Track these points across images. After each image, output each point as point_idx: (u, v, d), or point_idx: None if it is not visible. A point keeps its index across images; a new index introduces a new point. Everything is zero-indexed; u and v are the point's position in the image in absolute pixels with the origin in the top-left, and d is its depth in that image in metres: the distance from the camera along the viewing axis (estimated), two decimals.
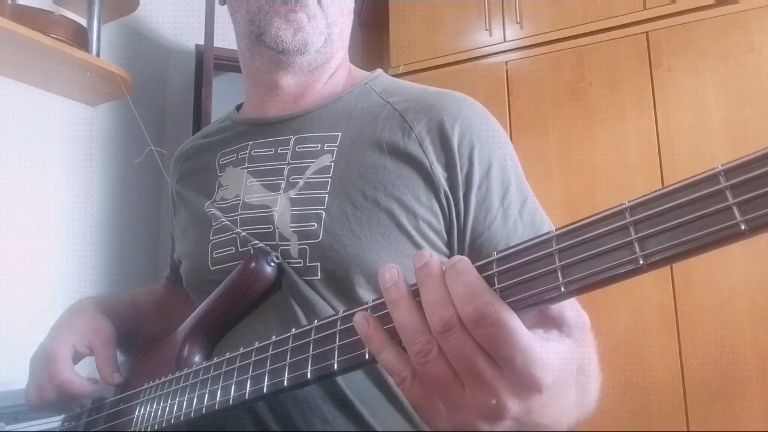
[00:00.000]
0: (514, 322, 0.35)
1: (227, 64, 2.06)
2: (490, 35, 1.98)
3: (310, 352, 0.45)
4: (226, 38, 1.93)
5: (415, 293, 0.40)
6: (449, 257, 0.65)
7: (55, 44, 1.51)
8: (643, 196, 0.33)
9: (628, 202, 0.34)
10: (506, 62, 1.94)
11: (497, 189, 0.64)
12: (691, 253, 0.31)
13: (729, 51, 1.63)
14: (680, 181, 0.32)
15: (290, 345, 0.47)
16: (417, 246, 0.63)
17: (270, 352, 0.49)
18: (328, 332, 0.45)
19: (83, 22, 1.70)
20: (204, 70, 2.01)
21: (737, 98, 1.61)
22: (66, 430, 0.73)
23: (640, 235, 0.32)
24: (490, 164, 0.65)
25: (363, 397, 0.61)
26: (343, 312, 0.45)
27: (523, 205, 0.66)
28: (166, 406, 0.58)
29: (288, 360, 0.47)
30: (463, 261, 0.38)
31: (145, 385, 0.64)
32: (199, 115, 2.01)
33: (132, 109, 1.83)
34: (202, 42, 2.00)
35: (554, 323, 0.40)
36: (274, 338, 0.50)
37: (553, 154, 1.80)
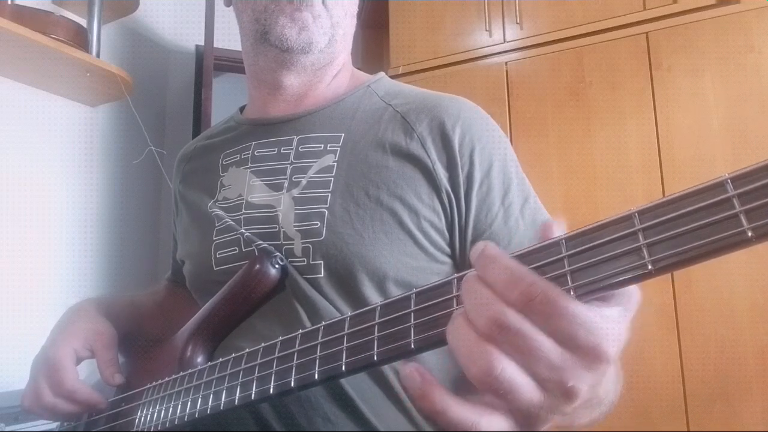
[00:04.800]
0: (564, 296, 0.33)
1: (227, 64, 2.06)
2: (490, 36, 1.98)
3: (318, 354, 0.45)
4: (226, 39, 1.94)
5: None
6: (451, 256, 0.66)
7: (55, 45, 1.51)
8: (650, 203, 0.34)
9: (636, 208, 0.34)
10: (506, 63, 1.94)
11: (498, 188, 0.65)
12: (698, 259, 0.31)
13: (729, 51, 1.64)
14: (687, 189, 0.32)
15: (297, 347, 0.47)
16: (419, 244, 0.63)
17: (276, 354, 0.49)
18: (336, 335, 0.45)
19: (83, 22, 1.70)
20: (204, 71, 2.01)
21: (737, 98, 1.61)
22: (66, 431, 0.72)
23: (648, 241, 0.32)
24: (491, 164, 0.66)
25: (365, 396, 0.61)
26: (351, 314, 0.45)
27: (524, 204, 0.67)
28: (169, 407, 0.58)
29: (295, 361, 0.47)
30: (490, 245, 0.36)
31: (148, 386, 0.63)
32: (199, 116, 2.01)
33: (132, 109, 1.83)
34: (202, 42, 2.00)
35: None
36: (280, 339, 0.50)
37: (553, 155, 1.80)
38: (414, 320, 0.40)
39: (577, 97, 1.81)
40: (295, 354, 0.47)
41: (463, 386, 0.36)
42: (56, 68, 1.60)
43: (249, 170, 0.72)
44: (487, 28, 1.98)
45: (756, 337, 1.51)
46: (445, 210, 0.64)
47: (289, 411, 0.60)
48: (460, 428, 0.35)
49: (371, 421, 0.61)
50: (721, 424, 1.50)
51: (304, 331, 0.48)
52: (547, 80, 1.86)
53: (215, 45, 1.98)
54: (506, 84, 1.92)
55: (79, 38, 1.63)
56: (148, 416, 0.60)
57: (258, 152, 0.73)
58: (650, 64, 1.73)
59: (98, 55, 1.69)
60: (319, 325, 0.47)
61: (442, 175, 0.64)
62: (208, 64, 1.99)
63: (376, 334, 0.42)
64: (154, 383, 0.63)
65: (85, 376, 0.78)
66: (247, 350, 0.53)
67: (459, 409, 0.35)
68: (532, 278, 0.33)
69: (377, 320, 0.43)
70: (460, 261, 0.66)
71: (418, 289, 0.41)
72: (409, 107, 0.70)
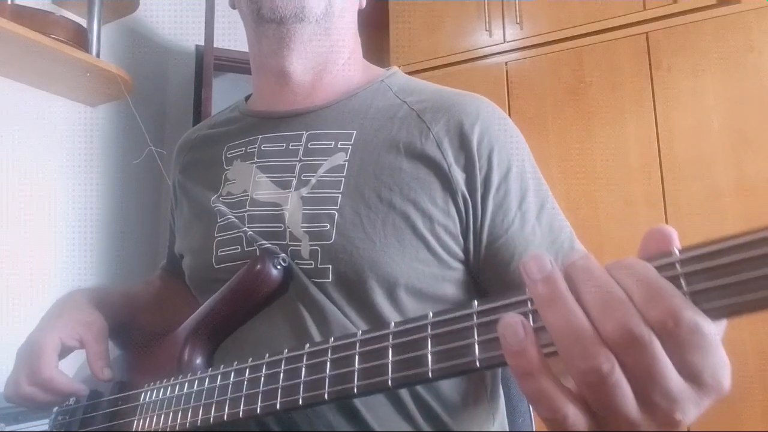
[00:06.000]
0: (710, 328, 0.29)
1: (227, 64, 2.06)
2: (490, 36, 1.98)
3: (327, 373, 0.44)
4: (226, 39, 1.94)
5: None
6: (464, 262, 0.63)
7: (55, 45, 1.51)
8: (693, 248, 0.31)
9: (679, 252, 0.31)
10: (506, 63, 1.94)
11: (515, 192, 0.63)
12: (747, 312, 0.29)
13: (729, 51, 1.64)
14: (735, 237, 0.30)
15: (305, 362, 0.46)
16: (432, 251, 0.61)
17: (282, 368, 0.48)
18: (347, 353, 0.43)
19: (83, 22, 1.70)
20: (204, 71, 2.01)
21: (737, 99, 1.61)
22: (62, 431, 0.71)
23: (693, 288, 0.30)
24: (509, 167, 0.63)
25: (369, 404, 0.59)
26: (362, 334, 0.44)
27: (541, 209, 0.64)
28: (169, 412, 0.56)
29: (303, 378, 0.45)
30: (629, 257, 0.32)
31: (146, 386, 0.62)
32: (199, 116, 2.01)
33: (132, 109, 1.83)
34: (202, 42, 2.00)
35: None
36: (286, 353, 0.48)
37: (553, 155, 1.80)
38: (432, 347, 0.39)
39: (577, 97, 1.81)
40: (303, 370, 0.46)
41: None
42: (56, 68, 1.60)
43: (255, 165, 0.69)
44: (487, 28, 1.98)
45: (756, 337, 1.51)
46: (460, 214, 0.62)
47: (291, 417, 0.59)
48: (543, 403, 0.32)
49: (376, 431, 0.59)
50: (721, 424, 1.50)
51: (311, 349, 0.47)
52: (547, 80, 1.86)
53: (215, 45, 1.98)
54: (506, 84, 1.92)
55: (79, 38, 1.63)
56: (147, 419, 0.59)
57: (265, 147, 0.70)
58: (650, 64, 1.72)
59: (98, 55, 1.69)
60: (326, 344, 0.45)
61: (458, 177, 0.62)
62: (208, 64, 1.99)
63: (390, 358, 0.41)
64: (153, 384, 0.61)
65: (77, 369, 0.77)
66: (250, 361, 0.51)
67: (552, 385, 0.32)
68: (682, 301, 0.29)
69: (391, 343, 0.41)
70: (474, 266, 0.64)
71: (434, 318, 0.40)
72: (425, 105, 0.67)
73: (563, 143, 1.80)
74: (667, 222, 1.62)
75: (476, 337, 0.37)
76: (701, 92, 1.66)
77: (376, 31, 2.43)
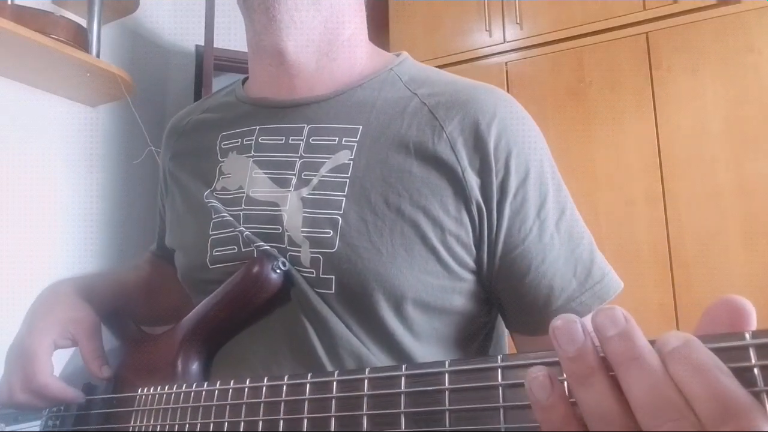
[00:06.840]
0: None
1: (227, 64, 2.06)
2: (490, 36, 1.99)
3: (332, 412, 0.41)
4: (226, 39, 1.94)
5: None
6: (476, 273, 0.59)
7: (55, 45, 1.51)
8: None
9: (750, 337, 0.26)
10: (506, 63, 1.95)
11: (534, 198, 0.58)
12: None
13: (729, 52, 1.64)
14: None
15: (307, 395, 0.43)
16: (442, 263, 0.57)
17: (283, 397, 0.45)
18: (354, 393, 0.40)
19: (83, 22, 1.70)
20: (204, 71, 2.01)
21: (737, 99, 1.61)
22: (57, 431, 0.70)
23: None
24: (528, 171, 0.59)
25: None
26: (370, 372, 0.40)
27: (560, 216, 0.60)
28: (166, 425, 0.54)
29: (306, 413, 0.43)
30: (695, 345, 0.27)
31: (141, 391, 0.60)
32: None
33: (132, 109, 1.83)
34: (202, 43, 2.00)
35: None
36: (287, 379, 0.45)
37: (553, 155, 1.80)
38: (450, 403, 0.35)
39: (577, 97, 1.81)
40: (306, 404, 0.43)
41: None
42: (56, 68, 1.60)
43: (252, 159, 0.64)
44: (487, 28, 1.98)
45: None
46: (473, 223, 0.58)
47: None
48: None
49: None
50: None
51: (313, 380, 0.43)
52: (547, 80, 1.86)
53: (215, 45, 1.98)
54: (506, 84, 1.92)
55: (79, 38, 1.63)
56: (143, 428, 0.56)
57: (263, 139, 0.65)
58: (650, 64, 1.73)
59: (98, 56, 1.69)
60: (331, 377, 0.42)
61: (473, 183, 0.57)
62: (208, 64, 1.99)
63: (402, 408, 0.37)
64: (148, 390, 0.59)
65: (66, 362, 0.75)
66: (248, 381, 0.48)
67: None
68: (760, 418, 0.25)
69: (403, 390, 0.38)
70: (486, 277, 0.60)
71: (451, 367, 0.36)
72: (438, 99, 0.61)
73: (563, 143, 1.80)
74: (666, 222, 1.63)
75: (501, 400, 0.33)
76: (701, 92, 1.66)
77: (376, 31, 2.43)
